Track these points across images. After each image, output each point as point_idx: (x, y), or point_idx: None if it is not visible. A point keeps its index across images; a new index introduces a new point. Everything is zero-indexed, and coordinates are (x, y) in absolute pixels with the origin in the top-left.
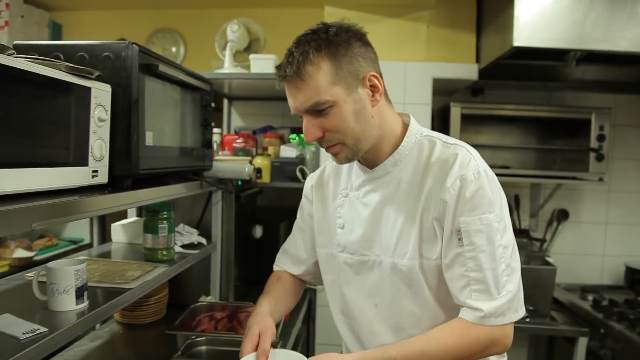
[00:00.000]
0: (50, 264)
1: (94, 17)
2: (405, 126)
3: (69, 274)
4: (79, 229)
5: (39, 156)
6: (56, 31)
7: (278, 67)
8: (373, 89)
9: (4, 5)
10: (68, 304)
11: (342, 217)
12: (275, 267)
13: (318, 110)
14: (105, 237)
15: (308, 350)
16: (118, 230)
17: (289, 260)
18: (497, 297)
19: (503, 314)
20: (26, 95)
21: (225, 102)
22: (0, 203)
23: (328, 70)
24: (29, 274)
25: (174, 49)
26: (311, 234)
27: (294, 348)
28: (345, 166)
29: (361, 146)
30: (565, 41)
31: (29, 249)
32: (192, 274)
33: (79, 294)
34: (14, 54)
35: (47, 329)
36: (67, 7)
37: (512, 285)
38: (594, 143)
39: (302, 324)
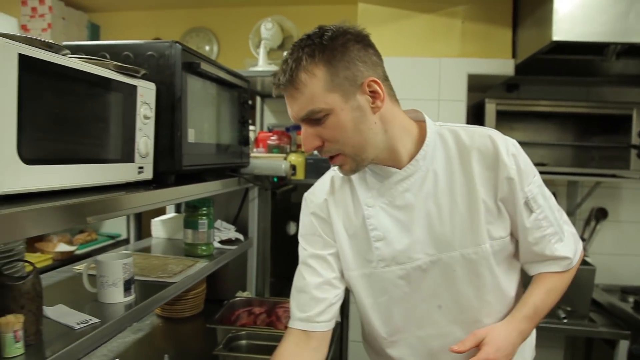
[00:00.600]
0: (99, 257)
1: (130, 17)
2: (419, 122)
3: (117, 267)
4: (116, 224)
5: (91, 153)
6: (94, 32)
7: (274, 75)
8: (373, 95)
9: (47, 8)
10: (116, 296)
11: (377, 229)
12: (292, 324)
13: (315, 119)
14: (141, 232)
15: (341, 348)
16: (158, 226)
17: (310, 300)
18: (565, 239)
19: (578, 249)
20: (79, 94)
21: (258, 99)
22: (56, 198)
23: (322, 77)
24: (77, 267)
25: (207, 48)
26: (337, 256)
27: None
28: (355, 176)
29: (365, 155)
30: (606, 34)
31: (70, 243)
32: (229, 270)
33: (127, 286)
34: (68, 53)
35: (99, 320)
36: (105, 8)
37: (568, 224)
38: (635, 139)
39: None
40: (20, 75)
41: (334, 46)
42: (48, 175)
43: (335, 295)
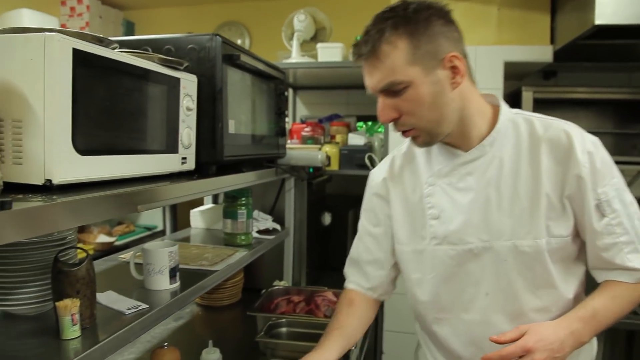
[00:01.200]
0: (146, 246)
1: (163, 13)
2: (493, 106)
3: (163, 255)
4: (153, 216)
5: (138, 144)
6: (129, 29)
7: (355, 45)
8: (454, 70)
9: (84, 7)
10: (162, 284)
11: (434, 207)
12: (347, 284)
13: (393, 91)
14: (176, 224)
15: (376, 338)
16: (197, 217)
17: (361, 273)
18: None
19: None
20: (127, 87)
21: (291, 91)
22: (106, 188)
23: (405, 49)
24: (122, 256)
25: (239, 41)
26: (387, 235)
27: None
28: (421, 153)
29: (440, 130)
30: None
31: (110, 234)
32: (265, 259)
33: (172, 274)
34: (117, 47)
35: (147, 306)
36: (139, 6)
37: None
38: None
39: None
40: (74, 69)
41: (418, 19)
42: (99, 166)
43: (383, 274)
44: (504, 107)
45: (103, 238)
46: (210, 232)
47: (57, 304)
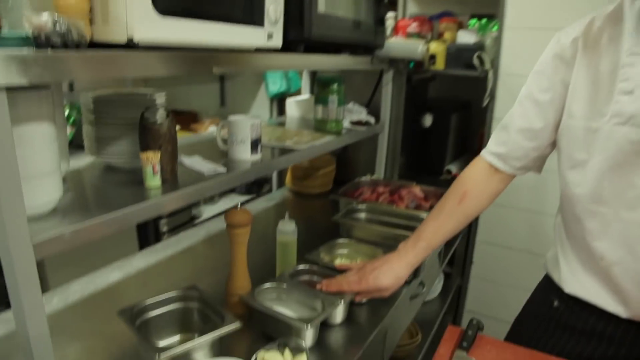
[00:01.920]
0: (230, 118)
1: None
2: None
3: (245, 126)
4: (261, 111)
5: (222, 10)
6: None
7: None
8: None
9: None
10: (244, 154)
11: (629, 80)
12: (483, 153)
13: None
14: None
15: (467, 249)
16: (292, 106)
17: (505, 140)
18: None
19: None
20: None
21: None
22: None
23: None
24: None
25: None
26: (554, 104)
27: (449, 246)
28: (631, 17)
29: None
30: None
31: None
32: (359, 154)
33: (254, 145)
34: None
35: (225, 169)
36: None
37: None
38: None
39: None
40: None
41: None
42: (180, 29)
43: (531, 147)
44: None
45: (213, 129)
46: (304, 120)
47: (141, 154)
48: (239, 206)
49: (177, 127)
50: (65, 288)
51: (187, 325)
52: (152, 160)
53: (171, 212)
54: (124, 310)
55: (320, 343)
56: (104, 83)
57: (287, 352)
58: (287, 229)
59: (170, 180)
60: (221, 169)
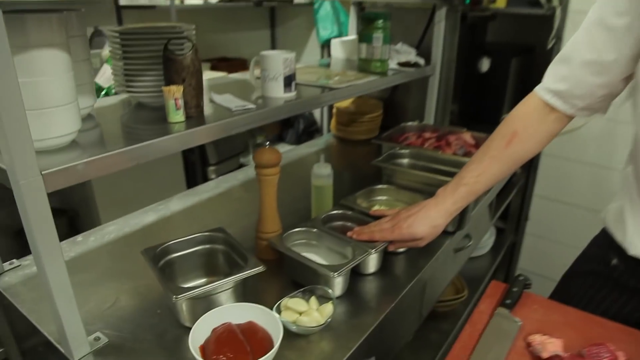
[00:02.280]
0: (263, 52)
1: None
2: None
3: (277, 61)
4: (312, 58)
5: None
6: None
7: None
8: None
9: None
10: (277, 91)
11: None
12: (537, 89)
13: None
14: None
15: (523, 204)
16: (337, 46)
17: (566, 75)
18: None
19: None
20: None
21: None
22: None
23: None
24: None
25: None
26: (632, 31)
27: (501, 198)
28: None
29: None
30: None
31: None
32: (408, 100)
33: (287, 82)
34: None
35: (254, 106)
36: None
37: None
38: None
39: (520, 169)
40: None
41: None
42: None
43: (598, 83)
44: None
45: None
46: (349, 62)
47: (163, 87)
48: (267, 145)
49: (225, 74)
50: (101, 228)
51: (213, 269)
52: (174, 94)
53: (219, 160)
54: (147, 250)
55: (351, 292)
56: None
57: (312, 300)
58: (322, 172)
59: (196, 117)
60: (250, 105)
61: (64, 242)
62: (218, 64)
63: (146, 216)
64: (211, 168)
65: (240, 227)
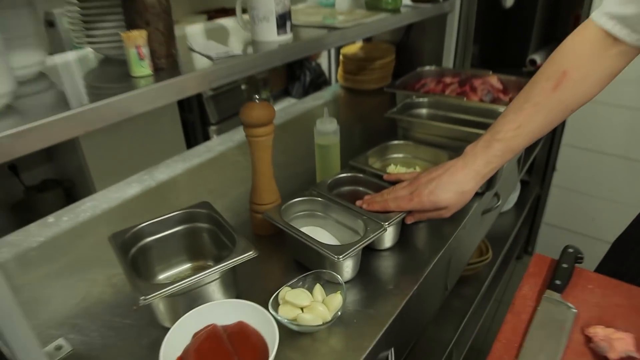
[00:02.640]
0: None
1: None
2: None
3: None
4: None
5: None
6: None
7: None
8: None
9: None
10: (269, 34)
11: None
12: (593, 16)
13: None
14: None
15: (550, 153)
16: None
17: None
18: None
19: None
20: None
21: None
22: None
23: None
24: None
25: None
26: None
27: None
28: None
29: None
30: None
31: None
32: (424, 42)
33: (280, 22)
34: None
35: (240, 52)
36: None
37: None
38: None
39: None
40: None
41: None
42: None
43: None
44: None
45: None
46: (356, 1)
47: (121, 33)
48: (256, 99)
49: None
50: (77, 206)
51: (198, 251)
52: (136, 41)
53: (220, 119)
54: (116, 235)
55: (364, 272)
56: None
57: (317, 288)
58: (327, 128)
59: (168, 69)
60: (235, 51)
61: (32, 224)
62: (216, 15)
63: (128, 189)
64: (212, 128)
65: (236, 196)
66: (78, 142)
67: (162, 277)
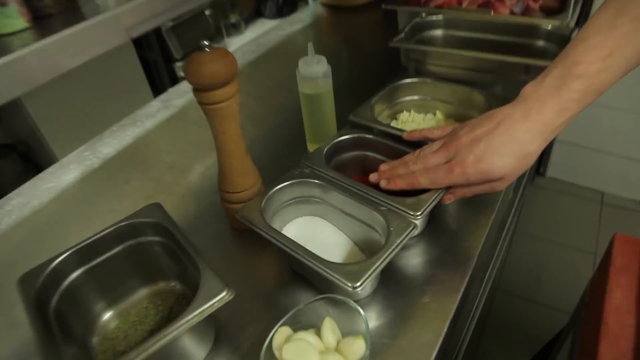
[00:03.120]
0: None
1: None
2: None
3: None
4: None
5: None
6: None
7: None
8: None
9: None
10: None
11: None
12: None
13: None
14: None
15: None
16: None
17: None
18: None
19: None
20: None
21: None
22: None
23: None
24: None
25: None
26: None
27: None
28: None
29: None
30: None
31: None
32: None
33: None
34: None
35: None
36: None
37: None
38: None
39: None
40: None
41: None
42: None
43: None
44: None
45: None
46: None
47: None
48: (206, 46)
49: None
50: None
51: (155, 270)
52: None
53: (185, 53)
54: (25, 278)
55: (385, 275)
56: None
57: (327, 325)
58: (314, 71)
59: (60, 14)
60: None
61: None
62: None
63: (64, 174)
64: (178, 64)
65: (203, 170)
66: (21, 103)
67: (107, 316)
